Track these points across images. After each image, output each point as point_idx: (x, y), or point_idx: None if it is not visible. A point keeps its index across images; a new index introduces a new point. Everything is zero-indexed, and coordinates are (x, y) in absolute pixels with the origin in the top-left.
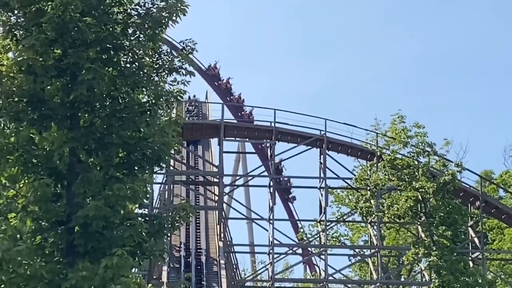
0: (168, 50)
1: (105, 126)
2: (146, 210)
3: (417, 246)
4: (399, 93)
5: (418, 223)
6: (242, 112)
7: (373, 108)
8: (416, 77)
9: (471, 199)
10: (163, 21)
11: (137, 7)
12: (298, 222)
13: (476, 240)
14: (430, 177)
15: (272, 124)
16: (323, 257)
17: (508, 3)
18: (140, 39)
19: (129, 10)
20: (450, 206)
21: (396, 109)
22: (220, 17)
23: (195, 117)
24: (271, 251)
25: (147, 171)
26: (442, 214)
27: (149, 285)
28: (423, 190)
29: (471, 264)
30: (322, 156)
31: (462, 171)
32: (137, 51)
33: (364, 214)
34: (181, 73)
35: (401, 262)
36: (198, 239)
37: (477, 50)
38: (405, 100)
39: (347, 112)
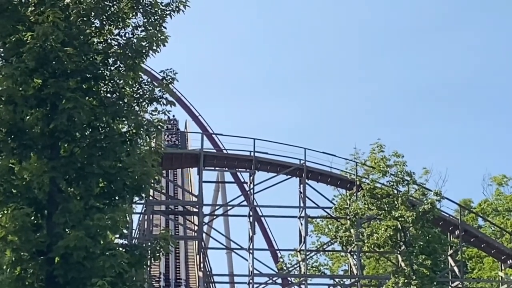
0: (149, 80)
1: (85, 156)
2: (126, 240)
3: (397, 275)
4: (379, 124)
5: (398, 252)
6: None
7: (352, 138)
8: (395, 108)
9: (450, 228)
10: (144, 51)
11: (117, 37)
12: (277, 251)
13: (455, 269)
14: (409, 206)
15: (252, 154)
16: (303, 286)
17: (485, 36)
18: (121, 69)
19: (109, 40)
20: (430, 235)
21: (375, 139)
22: (201, 48)
23: (173, 135)
24: (251, 281)
25: (127, 201)
26: (421, 243)
27: None
28: (403, 219)
29: None
30: (301, 185)
31: (441, 200)
32: (118, 81)
33: (344, 244)
34: (161, 103)
35: None
36: (177, 269)
37: (456, 81)
38: (384, 131)
39: (326, 142)
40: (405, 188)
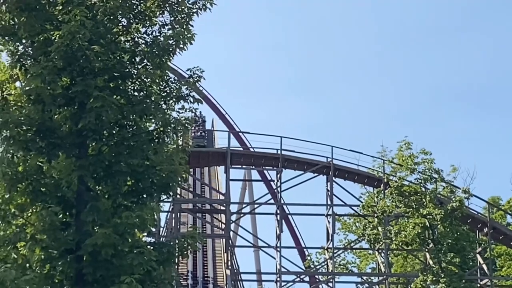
0: (176, 78)
1: (113, 154)
2: (154, 238)
3: (425, 273)
4: (406, 121)
5: (426, 250)
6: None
7: (379, 136)
8: (422, 106)
9: (479, 226)
10: (170, 49)
11: (144, 35)
12: (305, 249)
13: (484, 266)
14: (437, 204)
15: (279, 152)
16: (330, 284)
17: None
18: (148, 67)
19: (136, 39)
20: (458, 233)
21: (402, 137)
22: (228, 47)
23: (200, 126)
24: (278, 279)
25: (155, 199)
26: (450, 241)
27: None
28: (431, 216)
29: None
30: (328, 183)
31: (470, 198)
32: (145, 79)
33: (372, 241)
34: (188, 101)
35: None
36: (205, 267)
37: (484, 79)
38: (412, 129)
39: (353, 139)
40: (433, 186)
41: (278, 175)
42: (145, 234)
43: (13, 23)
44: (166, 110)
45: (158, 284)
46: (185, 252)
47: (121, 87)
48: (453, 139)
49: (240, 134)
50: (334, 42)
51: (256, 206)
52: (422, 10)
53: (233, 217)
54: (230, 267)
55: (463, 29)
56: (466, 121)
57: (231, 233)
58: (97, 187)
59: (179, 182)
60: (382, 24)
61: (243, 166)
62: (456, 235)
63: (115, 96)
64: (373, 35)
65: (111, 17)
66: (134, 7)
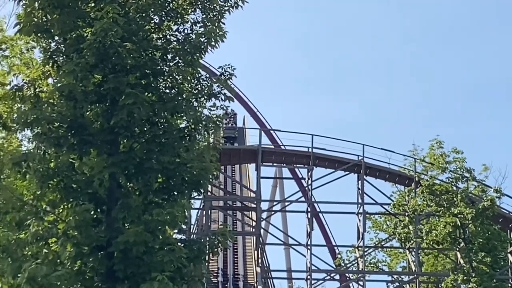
0: (207, 76)
1: (144, 151)
2: (184, 235)
3: (456, 273)
4: (437, 120)
5: (457, 249)
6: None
7: (410, 135)
8: (454, 105)
9: (510, 225)
10: (202, 47)
11: (176, 33)
12: (335, 247)
13: None
14: (469, 203)
15: (310, 150)
16: (361, 283)
17: None
18: (179, 64)
19: (168, 36)
20: (489, 232)
21: (433, 136)
22: (259, 44)
23: (231, 118)
24: (308, 277)
25: (186, 196)
26: (481, 240)
27: None
28: (462, 216)
29: None
30: (359, 181)
31: (501, 197)
32: (177, 77)
33: (403, 240)
34: (220, 98)
35: None
36: (235, 264)
37: None
38: (443, 128)
39: (384, 138)
40: (464, 185)
41: (309, 173)
42: (176, 231)
43: (45, 20)
44: (197, 108)
45: (188, 281)
46: (216, 250)
47: (152, 84)
48: (485, 138)
49: (272, 131)
50: (367, 40)
51: (287, 203)
52: (457, 8)
53: (264, 215)
54: (260, 265)
55: (492, 27)
56: (498, 120)
57: (262, 230)
58: (128, 184)
59: (210, 180)
60: (415, 22)
61: (274, 164)
62: (487, 234)
63: (146, 93)
64: (405, 33)
65: (143, 15)
66: (166, 4)
